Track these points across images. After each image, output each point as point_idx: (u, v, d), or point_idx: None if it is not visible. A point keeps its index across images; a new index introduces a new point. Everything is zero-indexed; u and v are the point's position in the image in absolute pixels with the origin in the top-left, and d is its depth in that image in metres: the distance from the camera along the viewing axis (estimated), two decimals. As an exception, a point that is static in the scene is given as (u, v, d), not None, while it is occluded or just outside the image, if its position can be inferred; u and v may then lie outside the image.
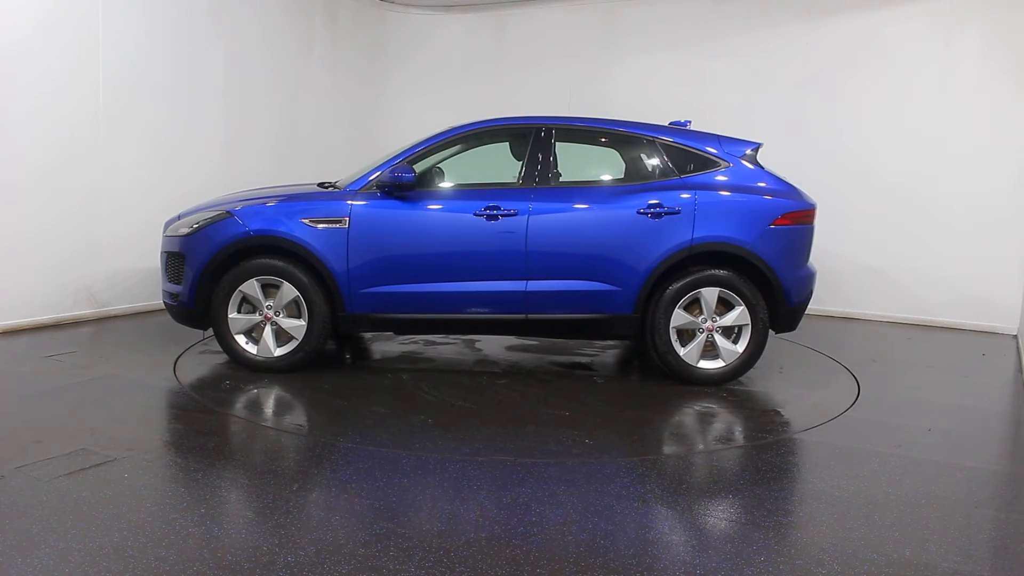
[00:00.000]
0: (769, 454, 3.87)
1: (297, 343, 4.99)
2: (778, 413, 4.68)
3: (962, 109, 7.23)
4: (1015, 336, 6.99)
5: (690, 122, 5.53)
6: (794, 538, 3.02)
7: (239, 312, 5.01)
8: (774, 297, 4.98)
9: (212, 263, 4.95)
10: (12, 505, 2.98)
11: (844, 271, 7.68)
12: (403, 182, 4.92)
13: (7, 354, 5.30)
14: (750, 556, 2.78)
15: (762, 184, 5.06)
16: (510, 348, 6.02)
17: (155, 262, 6.61)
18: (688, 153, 5.14)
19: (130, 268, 6.72)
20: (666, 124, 5.42)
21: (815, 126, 7.77)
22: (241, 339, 5.02)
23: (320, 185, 5.55)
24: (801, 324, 5.27)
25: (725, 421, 4.45)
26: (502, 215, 4.95)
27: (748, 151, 5.18)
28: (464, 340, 6.24)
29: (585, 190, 5.17)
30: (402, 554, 2.70)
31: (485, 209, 4.96)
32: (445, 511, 3.09)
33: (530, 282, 4.97)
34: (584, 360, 5.74)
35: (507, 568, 2.63)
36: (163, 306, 5.49)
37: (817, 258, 5.37)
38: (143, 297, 6.84)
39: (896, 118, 7.49)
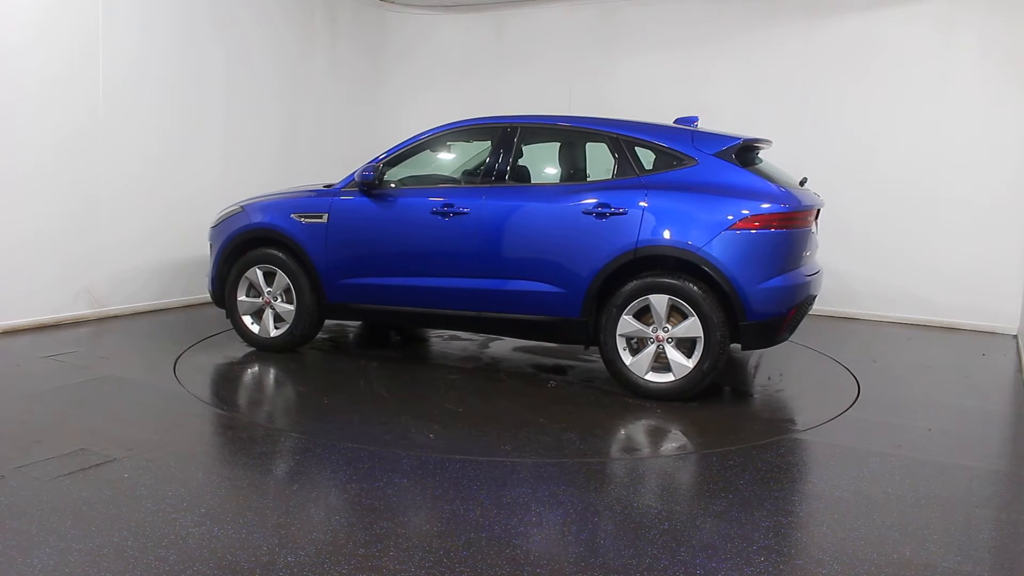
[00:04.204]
0: (769, 454, 3.87)
1: (288, 326, 5.49)
2: (778, 412, 4.68)
3: (962, 110, 7.22)
4: (1015, 336, 6.98)
5: (698, 119, 5.25)
6: (794, 538, 3.02)
7: (246, 296, 5.61)
8: (733, 309, 4.49)
9: (226, 251, 5.61)
10: (12, 505, 2.98)
11: (844, 271, 7.66)
12: (368, 180, 5.20)
13: (7, 354, 5.29)
14: (750, 556, 2.78)
15: (730, 184, 4.59)
16: (517, 348, 5.98)
17: (155, 262, 7.01)
18: (651, 150, 4.85)
19: (130, 268, 6.71)
20: (671, 122, 5.24)
21: (815, 126, 7.76)
22: (247, 319, 5.62)
23: (326, 186, 5.69)
24: (801, 324, 4.98)
25: (663, 429, 4.38)
26: (454, 213, 5.01)
27: (724, 148, 4.72)
28: (483, 336, 6.21)
29: (536, 189, 5.11)
30: (402, 554, 2.71)
31: (440, 207, 5.05)
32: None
33: (479, 280, 4.99)
34: (571, 364, 5.58)
35: (507, 568, 2.64)
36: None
37: (818, 258, 5.29)
38: (143, 297, 6.84)
39: (896, 118, 7.48)
